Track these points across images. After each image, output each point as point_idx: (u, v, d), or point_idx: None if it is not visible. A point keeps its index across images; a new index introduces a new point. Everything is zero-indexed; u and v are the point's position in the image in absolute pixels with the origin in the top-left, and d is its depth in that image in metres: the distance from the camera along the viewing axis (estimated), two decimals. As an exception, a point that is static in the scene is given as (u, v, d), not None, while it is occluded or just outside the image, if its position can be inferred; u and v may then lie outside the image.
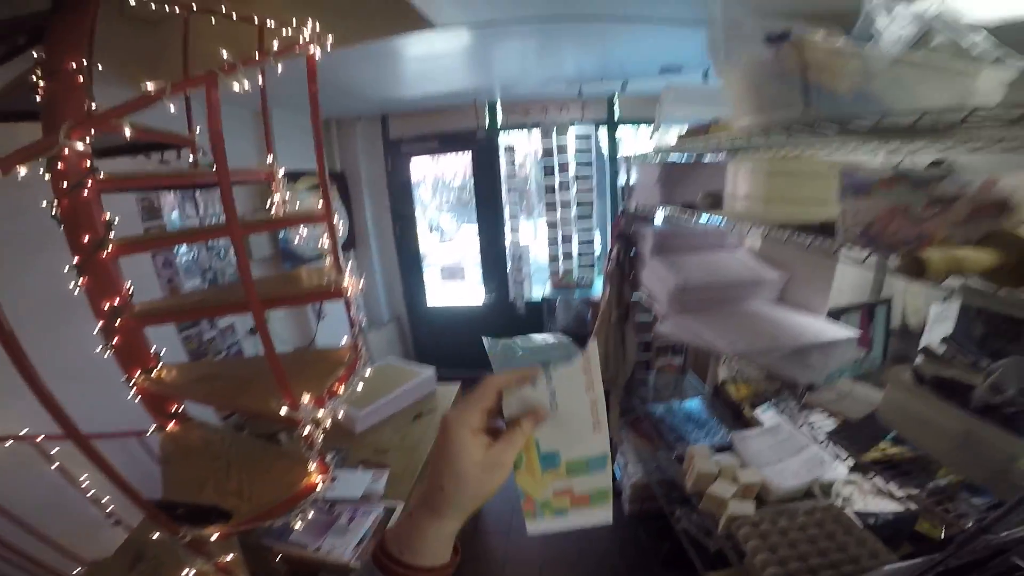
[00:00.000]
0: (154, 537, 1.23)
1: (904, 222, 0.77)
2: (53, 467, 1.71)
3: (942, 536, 1.37)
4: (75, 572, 1.56)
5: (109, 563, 1.58)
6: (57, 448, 1.71)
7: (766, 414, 2.03)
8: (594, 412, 0.53)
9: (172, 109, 0.91)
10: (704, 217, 1.54)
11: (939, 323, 1.78)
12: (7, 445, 1.70)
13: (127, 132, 0.84)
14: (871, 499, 1.56)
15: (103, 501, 1.75)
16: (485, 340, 0.57)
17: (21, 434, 1.69)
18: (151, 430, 1.55)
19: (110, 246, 1.29)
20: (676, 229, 2.03)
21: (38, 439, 1.72)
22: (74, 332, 1.40)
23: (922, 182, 0.73)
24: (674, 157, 2.02)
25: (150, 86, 0.85)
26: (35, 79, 1.17)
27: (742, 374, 1.39)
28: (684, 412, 2.28)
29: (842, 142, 1.25)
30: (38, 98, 1.17)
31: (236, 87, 0.91)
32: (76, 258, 1.25)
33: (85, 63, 1.20)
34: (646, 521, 2.53)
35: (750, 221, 1.28)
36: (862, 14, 1.02)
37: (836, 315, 1.76)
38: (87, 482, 1.69)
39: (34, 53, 1.21)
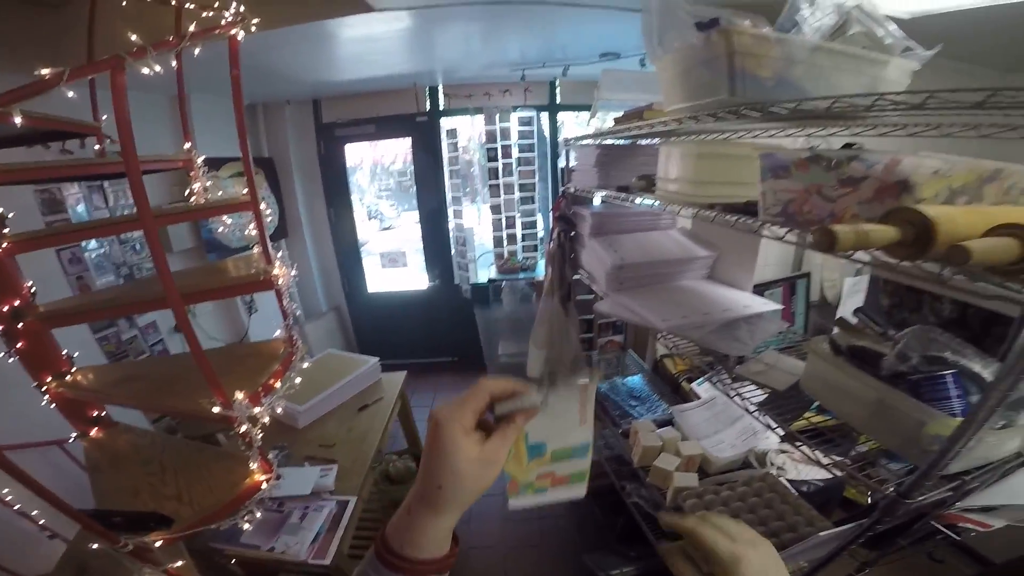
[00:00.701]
0: (93, 548, 1.16)
1: (818, 201, 0.82)
2: None
3: (868, 501, 1.48)
4: None
5: None
6: None
7: (701, 387, 2.14)
8: (582, 411, 0.58)
9: (71, 95, 0.82)
10: (638, 199, 1.58)
11: (852, 296, 1.93)
12: None
13: (17, 120, 0.75)
14: (802, 467, 1.66)
15: (33, 514, 1.63)
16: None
17: None
18: (72, 438, 1.44)
19: (4, 243, 1.17)
20: (613, 210, 2.07)
21: None
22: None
23: (833, 164, 0.78)
24: (610, 141, 2.06)
25: (44, 71, 0.77)
26: None
27: (677, 349, 1.45)
28: (627, 389, 2.36)
29: (765, 127, 1.31)
30: None
31: (146, 71, 0.84)
32: None
33: None
34: (600, 497, 2.59)
35: (680, 203, 1.33)
36: (788, 3, 1.08)
37: (761, 290, 1.87)
38: (10, 496, 1.57)
39: None
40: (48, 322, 1.27)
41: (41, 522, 1.63)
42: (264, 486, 1.23)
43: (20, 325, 1.21)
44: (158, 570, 1.13)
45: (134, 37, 0.85)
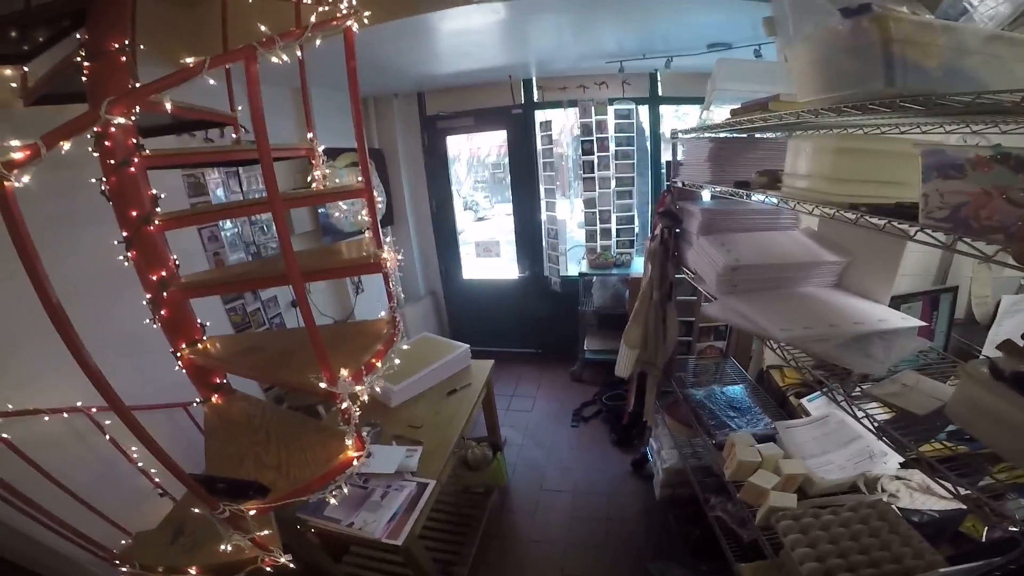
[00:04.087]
0: (194, 512, 1.27)
1: (1002, 205, 0.69)
2: (106, 438, 1.79)
3: (983, 537, 1.31)
4: (121, 544, 1.63)
5: (152, 537, 1.64)
6: (110, 421, 1.80)
7: (813, 404, 1.95)
8: None
9: (212, 82, 0.89)
10: (759, 196, 1.44)
11: (1011, 315, 1.65)
12: (64, 416, 1.80)
13: (167, 107, 0.83)
14: (918, 496, 1.49)
15: (152, 472, 1.83)
16: None
17: (77, 405, 1.78)
18: (196, 402, 1.59)
19: (156, 220, 1.31)
20: (725, 207, 1.93)
21: (91, 411, 1.80)
22: (123, 306, 1.43)
23: (1025, 164, 0.65)
24: (724, 134, 1.91)
25: (189, 61, 0.84)
26: (80, 60, 1.18)
27: (795, 360, 1.32)
28: (725, 398, 2.21)
29: (921, 121, 1.14)
30: (84, 79, 1.19)
31: (275, 60, 0.89)
32: (124, 232, 1.28)
33: (127, 43, 1.22)
34: (677, 507, 2.49)
35: (814, 201, 1.20)
36: None
37: (898, 303, 1.66)
38: (136, 454, 1.77)
39: (77, 35, 1.23)
40: (188, 292, 1.41)
41: (156, 480, 1.84)
42: (355, 463, 1.27)
43: (165, 294, 1.34)
44: (246, 537, 1.20)
45: (263, 28, 0.90)
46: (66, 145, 0.74)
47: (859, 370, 1.19)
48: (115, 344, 1.65)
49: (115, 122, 0.78)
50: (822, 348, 1.27)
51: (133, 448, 1.76)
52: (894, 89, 0.88)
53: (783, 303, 1.51)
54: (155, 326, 1.37)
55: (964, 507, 0.81)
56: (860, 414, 1.07)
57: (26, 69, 1.49)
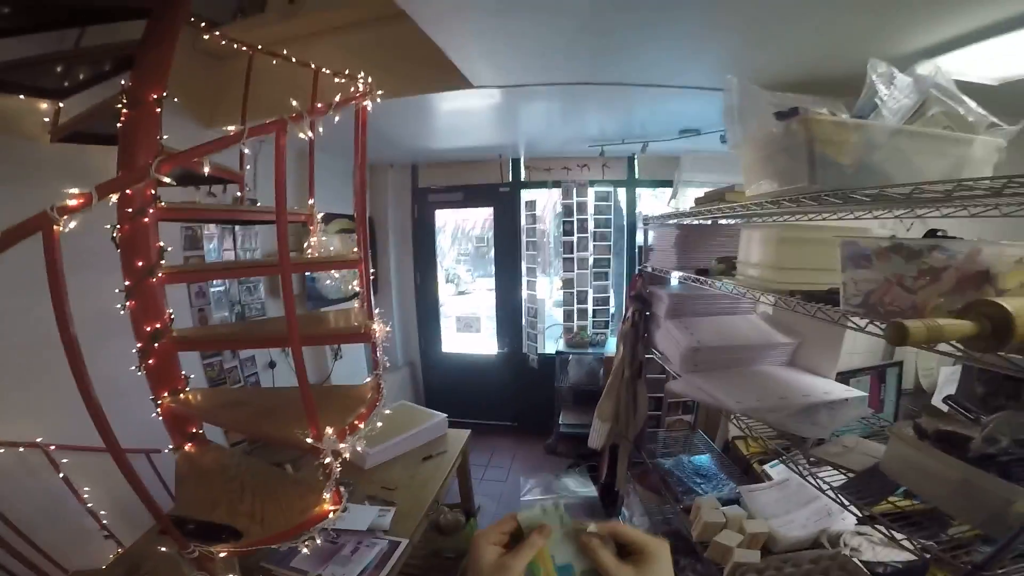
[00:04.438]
0: (159, 551, 1.25)
1: (899, 292, 0.82)
2: (60, 476, 1.75)
3: None
4: None
5: (101, 574, 1.58)
6: (66, 460, 1.77)
7: (775, 469, 2.02)
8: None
9: (247, 151, 1.01)
10: (718, 283, 1.59)
11: (949, 384, 1.80)
12: (20, 451, 1.75)
13: (206, 170, 0.93)
14: (880, 550, 1.53)
15: (100, 514, 1.79)
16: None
17: (36, 441, 1.75)
18: (168, 449, 1.59)
19: (160, 273, 1.36)
20: (691, 292, 2.08)
21: (50, 448, 1.77)
22: (101, 349, 1.44)
23: (914, 254, 0.79)
24: (690, 221, 2.11)
25: (229, 128, 0.95)
26: (119, 106, 1.26)
27: (751, 431, 1.41)
28: (693, 466, 2.27)
29: (852, 209, 1.31)
30: (118, 124, 1.26)
31: (300, 135, 1.01)
32: (127, 281, 1.32)
33: (164, 95, 1.30)
34: (650, 572, 2.45)
35: (761, 289, 1.33)
36: (866, 85, 1.10)
37: (846, 377, 1.79)
38: (87, 494, 1.74)
39: (121, 81, 1.31)
40: (180, 345, 1.45)
41: (104, 522, 1.79)
42: (331, 515, 1.29)
43: (156, 345, 1.38)
44: None
45: (294, 103, 1.02)
46: (114, 198, 0.84)
47: (806, 435, 1.29)
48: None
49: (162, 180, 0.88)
50: (774, 418, 1.37)
51: (85, 488, 1.75)
52: (816, 186, 1.03)
53: (739, 379, 1.64)
54: (140, 373, 1.39)
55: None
56: (817, 481, 1.15)
57: (61, 105, 1.57)
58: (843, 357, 1.66)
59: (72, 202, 0.78)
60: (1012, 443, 0.82)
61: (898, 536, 0.92)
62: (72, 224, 0.81)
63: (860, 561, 1.45)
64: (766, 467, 2.06)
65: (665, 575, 0.57)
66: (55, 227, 0.78)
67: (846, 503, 1.05)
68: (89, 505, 1.75)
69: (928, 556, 0.87)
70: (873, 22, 1.49)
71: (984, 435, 0.85)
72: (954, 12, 1.39)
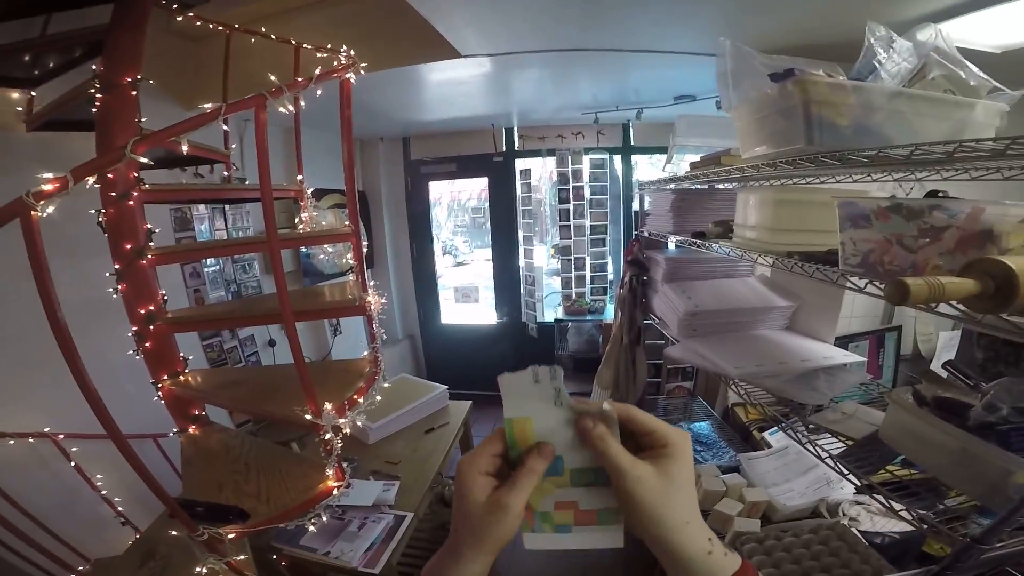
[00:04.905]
0: (170, 535, 1.27)
1: (899, 251, 0.81)
2: (71, 464, 1.77)
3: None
4: (84, 568, 1.60)
5: (119, 560, 1.61)
6: (76, 448, 1.78)
7: (774, 437, 2.04)
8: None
9: (225, 128, 0.98)
10: (715, 246, 1.58)
11: (948, 350, 1.80)
12: (29, 442, 1.78)
13: (184, 149, 0.91)
14: (879, 519, 1.57)
15: (115, 501, 1.81)
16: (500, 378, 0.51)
17: (44, 431, 1.76)
18: (173, 432, 1.61)
19: (149, 255, 1.36)
20: (688, 256, 2.07)
21: (58, 437, 1.78)
22: (100, 335, 1.44)
23: (914, 213, 0.77)
24: (686, 185, 2.08)
25: (206, 106, 0.93)
26: (93, 92, 1.23)
27: (750, 397, 1.42)
28: (693, 434, 2.30)
29: (848, 172, 1.29)
30: (94, 110, 1.24)
31: (281, 109, 0.98)
32: (117, 265, 1.31)
33: (139, 78, 1.27)
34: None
35: (758, 250, 1.32)
36: (864, 48, 1.08)
37: (845, 342, 1.79)
38: (100, 482, 1.76)
39: (92, 66, 1.27)
40: (175, 327, 1.44)
41: (119, 509, 1.82)
42: (335, 492, 1.31)
43: (151, 327, 1.38)
44: (221, 560, 1.21)
45: (272, 78, 0.99)
46: (91, 180, 0.82)
47: (805, 402, 1.29)
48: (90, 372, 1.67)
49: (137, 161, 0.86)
50: (773, 383, 1.38)
51: (98, 476, 1.76)
52: (813, 147, 1.01)
53: (738, 344, 1.63)
54: (138, 357, 1.40)
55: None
56: (816, 449, 1.16)
57: (33, 94, 1.53)
58: (841, 321, 1.66)
59: (47, 187, 0.76)
60: (1012, 411, 0.82)
61: (896, 506, 0.93)
62: (50, 209, 0.79)
63: (858, 531, 1.49)
64: (765, 434, 2.09)
65: (688, 475, 0.46)
66: (33, 212, 0.76)
67: (845, 472, 1.06)
68: (104, 492, 1.77)
69: (925, 527, 0.87)
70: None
71: (984, 403, 0.85)
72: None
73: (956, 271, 0.62)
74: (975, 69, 1.03)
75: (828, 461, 1.10)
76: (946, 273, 0.65)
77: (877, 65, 1.07)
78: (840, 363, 1.42)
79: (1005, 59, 1.67)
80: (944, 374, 1.03)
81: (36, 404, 1.79)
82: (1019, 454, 0.77)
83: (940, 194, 0.89)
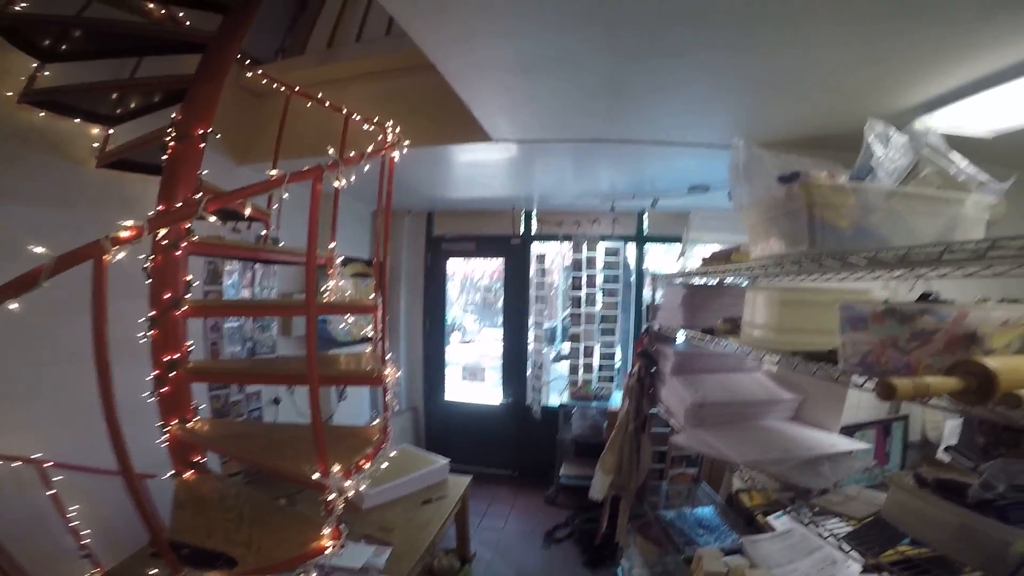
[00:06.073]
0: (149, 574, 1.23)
1: (893, 353, 0.86)
2: (48, 493, 1.70)
3: None
4: None
5: None
6: (59, 477, 1.73)
7: (779, 520, 1.99)
8: None
9: (286, 196, 1.06)
10: (723, 342, 1.62)
11: (955, 435, 1.79)
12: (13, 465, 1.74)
13: (248, 211, 0.99)
14: None
15: (82, 534, 1.74)
16: None
17: (33, 456, 1.71)
18: (168, 474, 1.58)
19: (186, 305, 1.40)
20: (696, 350, 2.11)
21: (46, 464, 1.73)
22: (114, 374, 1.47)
23: (907, 317, 0.83)
24: (697, 280, 2.16)
25: (272, 173, 1.02)
26: (167, 139, 1.31)
27: (755, 484, 1.42)
28: (695, 518, 2.26)
29: (848, 272, 1.35)
30: (164, 156, 1.31)
31: (335, 184, 1.07)
32: (153, 311, 1.35)
33: (209, 131, 1.35)
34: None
35: (765, 349, 1.35)
36: (863, 146, 1.14)
37: (852, 431, 1.79)
38: (73, 514, 1.71)
39: (172, 114, 1.35)
40: (195, 376, 1.48)
41: (85, 542, 1.75)
42: (328, 551, 1.28)
43: (172, 374, 1.41)
44: None
45: (331, 151, 1.08)
46: (163, 231, 0.90)
47: (810, 486, 1.30)
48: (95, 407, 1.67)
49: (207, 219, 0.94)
50: (778, 470, 1.38)
51: (71, 508, 1.70)
52: (816, 248, 1.07)
53: (744, 434, 1.65)
54: (151, 400, 1.41)
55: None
56: (808, 522, 1.17)
57: (111, 132, 1.62)
58: (848, 411, 1.66)
59: (124, 233, 0.84)
60: (1009, 488, 0.85)
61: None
62: (121, 255, 0.85)
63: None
64: (769, 519, 2.03)
65: None
66: (105, 256, 0.83)
67: (848, 550, 1.05)
68: (74, 524, 1.72)
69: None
70: (872, 78, 1.54)
71: (981, 481, 0.88)
72: (951, 63, 1.42)
73: (943, 371, 0.68)
74: (963, 164, 1.09)
75: (831, 541, 1.09)
76: (936, 372, 0.70)
77: (875, 165, 1.12)
78: (844, 450, 1.44)
79: (997, 144, 1.76)
80: (947, 458, 1.05)
81: (26, 428, 1.76)
82: (1017, 527, 0.80)
83: (931, 296, 0.95)
